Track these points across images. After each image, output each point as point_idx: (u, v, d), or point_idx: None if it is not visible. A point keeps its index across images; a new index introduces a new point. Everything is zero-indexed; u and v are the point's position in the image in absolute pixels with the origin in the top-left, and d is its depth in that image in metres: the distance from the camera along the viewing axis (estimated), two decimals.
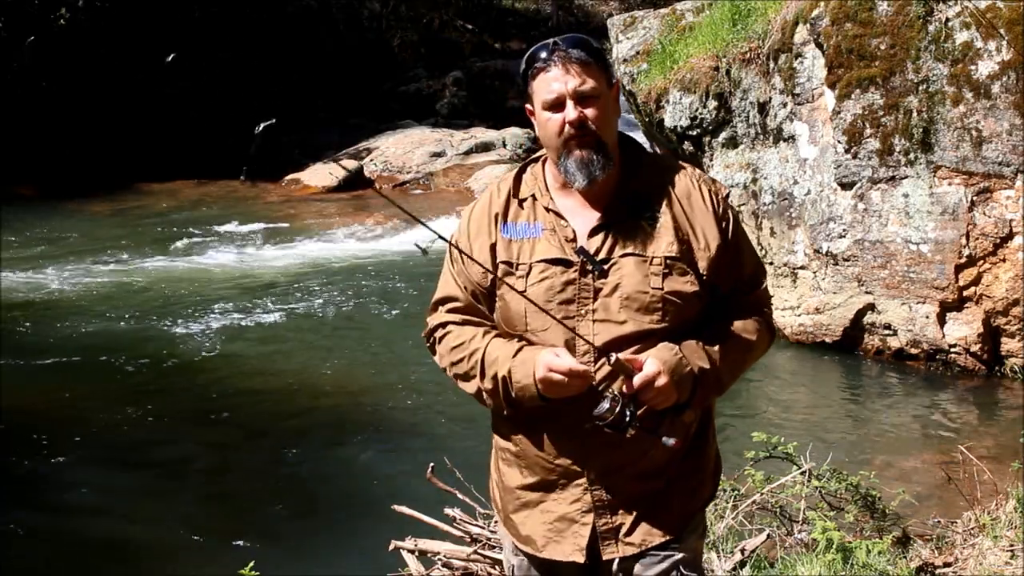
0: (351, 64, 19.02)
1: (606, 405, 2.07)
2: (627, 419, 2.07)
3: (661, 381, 2.09)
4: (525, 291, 2.19)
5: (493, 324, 2.29)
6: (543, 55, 2.20)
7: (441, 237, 2.21)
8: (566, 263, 2.20)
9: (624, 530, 2.26)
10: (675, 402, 2.14)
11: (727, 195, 2.35)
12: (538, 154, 2.36)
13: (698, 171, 2.35)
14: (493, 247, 2.26)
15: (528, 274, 2.20)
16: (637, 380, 2.08)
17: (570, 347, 2.18)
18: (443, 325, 2.33)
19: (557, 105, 2.18)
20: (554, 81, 2.17)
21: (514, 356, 2.19)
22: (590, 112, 2.17)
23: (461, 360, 2.27)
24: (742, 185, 7.73)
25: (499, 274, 2.23)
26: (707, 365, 2.17)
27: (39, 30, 15.20)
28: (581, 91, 2.16)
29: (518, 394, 2.18)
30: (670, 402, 2.13)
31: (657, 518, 2.27)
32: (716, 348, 2.20)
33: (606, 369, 2.15)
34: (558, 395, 2.13)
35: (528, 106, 2.28)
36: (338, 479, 5.80)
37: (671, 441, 2.10)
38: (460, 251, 2.28)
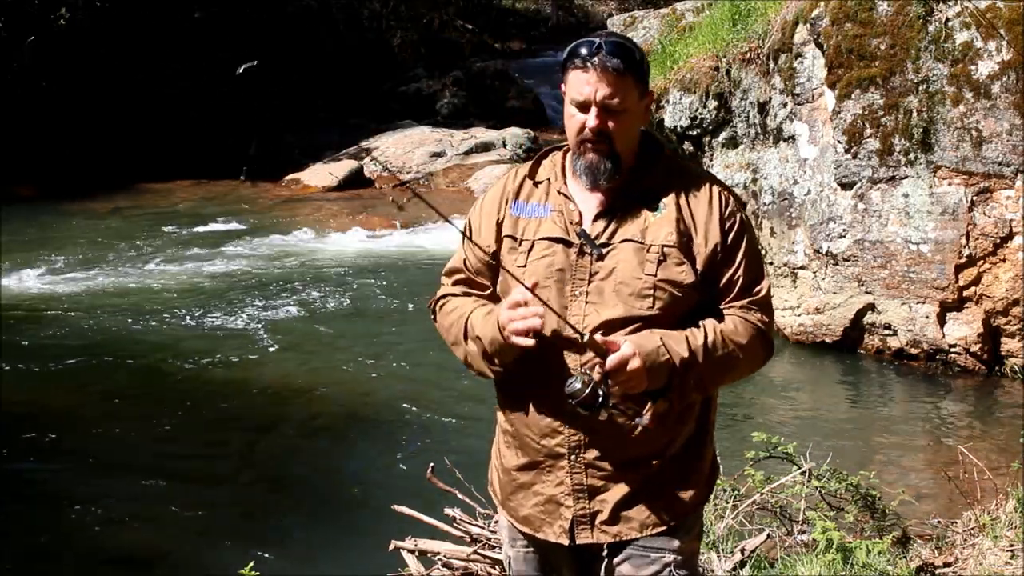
0: (351, 64, 19.00)
1: (578, 384, 2.11)
2: (599, 400, 2.11)
3: (634, 364, 2.12)
4: (525, 266, 2.27)
5: (491, 296, 2.38)
6: (584, 52, 2.22)
7: (464, 234, 2.39)
8: (566, 243, 2.27)
9: (602, 517, 2.30)
10: (647, 388, 2.16)
11: (741, 204, 2.38)
12: (561, 144, 2.43)
13: (715, 177, 2.39)
14: (499, 223, 2.35)
15: (530, 250, 2.28)
16: (610, 361, 2.12)
17: (560, 327, 2.23)
18: (445, 297, 2.43)
19: (583, 106, 2.23)
20: (586, 84, 2.22)
21: (487, 315, 2.27)
22: (611, 124, 2.22)
23: (452, 326, 2.36)
24: (742, 185, 7.73)
25: (503, 248, 2.33)
26: (686, 355, 2.19)
27: (39, 30, 15.18)
28: (608, 103, 2.21)
29: (491, 348, 2.25)
30: (640, 387, 2.15)
31: (638, 511, 2.30)
32: (700, 343, 2.21)
33: (589, 354, 2.19)
34: (521, 336, 2.17)
35: (563, 87, 2.31)
36: (338, 479, 5.81)
37: (645, 419, 2.14)
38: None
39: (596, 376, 2.13)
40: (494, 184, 2.45)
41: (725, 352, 2.24)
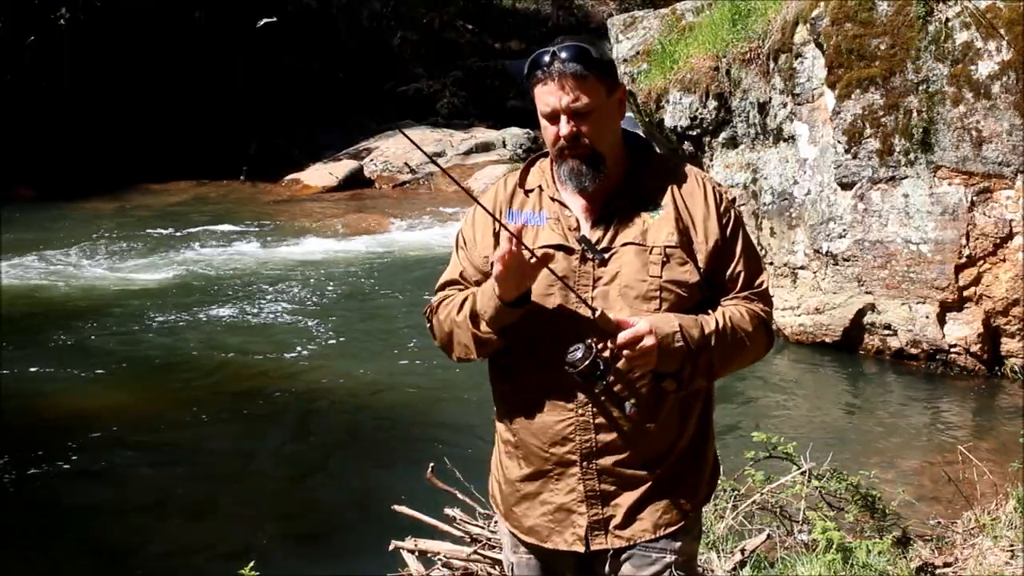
0: (351, 64, 19.02)
1: (579, 353, 2.10)
2: (599, 372, 2.10)
3: (648, 342, 2.12)
4: None
5: None
6: (541, 64, 2.22)
7: (482, 206, 2.28)
8: (567, 250, 2.25)
9: (615, 522, 2.29)
10: (655, 368, 2.16)
11: (733, 199, 2.37)
12: (547, 150, 2.41)
13: (705, 173, 2.39)
14: (496, 233, 2.30)
15: (530, 259, 2.22)
16: (623, 336, 2.11)
17: (568, 334, 2.19)
18: (441, 300, 2.38)
19: (552, 117, 2.23)
20: (549, 95, 2.21)
21: (482, 289, 2.24)
22: (584, 127, 2.22)
23: (449, 313, 2.31)
24: (742, 185, 7.74)
25: None
26: (701, 340, 2.19)
27: (39, 30, 15.19)
28: (574, 108, 2.20)
29: (488, 309, 2.19)
30: (649, 366, 2.15)
31: (650, 513, 2.30)
32: (713, 329, 2.23)
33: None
34: (515, 280, 2.14)
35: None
36: (338, 479, 5.80)
37: (630, 409, 2.15)
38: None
39: (600, 348, 2.11)
40: (482, 195, 2.41)
41: (734, 339, 2.25)
